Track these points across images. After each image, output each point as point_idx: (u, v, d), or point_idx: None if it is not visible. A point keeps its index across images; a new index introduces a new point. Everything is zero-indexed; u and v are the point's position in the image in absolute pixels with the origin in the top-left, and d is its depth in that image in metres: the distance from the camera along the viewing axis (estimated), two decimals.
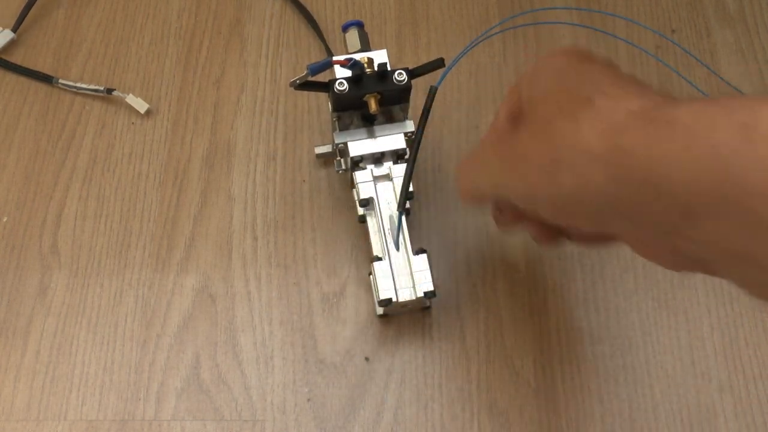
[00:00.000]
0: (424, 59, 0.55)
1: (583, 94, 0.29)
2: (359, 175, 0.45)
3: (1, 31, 0.57)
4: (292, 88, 0.43)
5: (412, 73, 0.44)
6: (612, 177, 0.27)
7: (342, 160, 0.48)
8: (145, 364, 0.46)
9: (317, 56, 0.57)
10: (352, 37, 0.48)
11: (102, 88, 0.54)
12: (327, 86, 0.44)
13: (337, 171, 0.48)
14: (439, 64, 0.44)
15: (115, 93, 0.54)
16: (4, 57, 0.56)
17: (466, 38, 0.57)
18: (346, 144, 0.45)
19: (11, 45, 0.57)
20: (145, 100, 0.54)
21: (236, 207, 0.51)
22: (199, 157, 0.53)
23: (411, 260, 0.43)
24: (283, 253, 0.49)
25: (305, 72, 0.42)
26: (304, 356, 0.46)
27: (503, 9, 0.58)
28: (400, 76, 0.44)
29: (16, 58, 0.57)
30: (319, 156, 0.50)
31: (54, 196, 0.51)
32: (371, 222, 0.45)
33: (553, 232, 0.37)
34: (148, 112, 0.54)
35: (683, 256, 0.28)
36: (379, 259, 0.43)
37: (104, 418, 0.44)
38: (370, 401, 0.45)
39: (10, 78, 0.56)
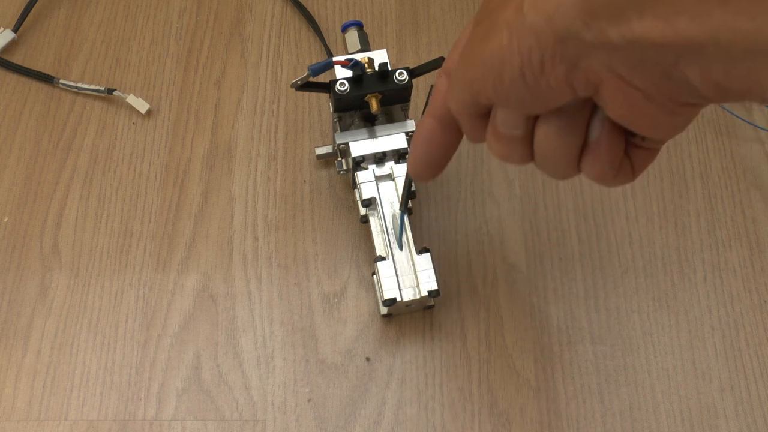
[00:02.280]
0: (425, 59, 0.55)
1: None
2: (361, 175, 0.45)
3: (2, 31, 0.57)
4: (294, 89, 0.43)
5: (413, 73, 0.44)
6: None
7: (343, 160, 0.48)
8: (145, 365, 0.46)
9: (318, 56, 0.57)
10: (352, 37, 0.48)
11: (103, 89, 0.54)
12: (328, 87, 0.44)
13: (339, 171, 0.48)
14: (439, 63, 0.44)
15: (115, 93, 0.54)
16: (4, 57, 0.56)
17: None
18: (347, 144, 0.45)
19: (12, 45, 0.57)
20: (145, 100, 0.54)
21: (237, 207, 0.51)
22: (200, 157, 0.53)
23: (414, 259, 0.43)
24: (283, 254, 0.49)
25: (306, 73, 0.42)
26: (304, 356, 0.46)
27: None
28: (401, 76, 0.44)
29: (17, 58, 0.57)
30: (319, 157, 0.50)
31: (55, 197, 0.52)
32: (374, 222, 0.45)
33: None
34: (148, 113, 0.54)
35: (662, 80, 0.26)
36: (383, 258, 0.43)
37: (105, 418, 0.45)
38: (371, 401, 0.45)
39: (11, 78, 0.56)
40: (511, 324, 0.46)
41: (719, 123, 0.53)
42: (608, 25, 0.25)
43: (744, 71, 0.24)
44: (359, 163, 0.45)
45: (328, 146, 0.50)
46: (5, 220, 0.51)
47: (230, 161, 0.52)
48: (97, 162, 0.53)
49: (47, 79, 0.55)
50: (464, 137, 0.37)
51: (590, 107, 0.31)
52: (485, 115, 0.34)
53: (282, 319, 0.47)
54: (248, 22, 0.58)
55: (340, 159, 0.48)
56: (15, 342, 0.47)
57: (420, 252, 0.43)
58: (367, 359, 0.46)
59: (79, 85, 0.55)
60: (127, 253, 0.49)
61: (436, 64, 0.44)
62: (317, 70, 0.42)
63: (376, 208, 0.45)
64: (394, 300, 0.42)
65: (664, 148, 0.52)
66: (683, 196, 0.51)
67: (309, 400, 0.45)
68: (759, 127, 0.53)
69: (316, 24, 0.57)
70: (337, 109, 0.45)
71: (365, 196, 0.45)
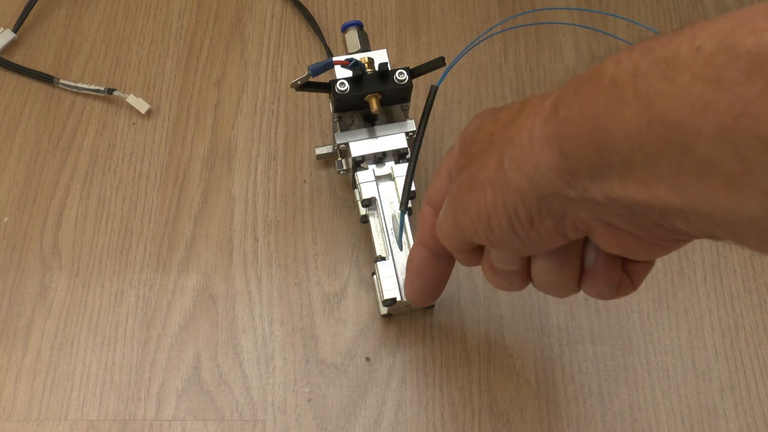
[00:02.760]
0: (425, 59, 0.55)
1: (512, 113, 0.30)
2: (361, 175, 0.45)
3: (2, 31, 0.57)
4: (294, 89, 0.43)
5: (413, 73, 0.44)
6: (557, 152, 0.26)
7: (343, 160, 0.48)
8: (145, 364, 0.46)
9: (318, 56, 0.57)
10: (352, 37, 0.48)
11: (103, 89, 0.54)
12: (328, 87, 0.44)
13: (339, 171, 0.48)
14: (439, 63, 0.44)
15: (115, 93, 0.54)
16: (4, 57, 0.56)
17: (467, 38, 0.57)
18: (347, 144, 0.45)
19: (12, 45, 0.57)
20: (145, 100, 0.54)
21: (237, 207, 0.51)
22: (200, 157, 0.53)
23: None
24: (283, 254, 0.49)
25: (306, 73, 0.42)
26: (304, 356, 0.46)
27: (504, 9, 0.58)
28: (401, 76, 0.44)
29: (17, 58, 0.57)
30: (319, 157, 0.50)
31: (55, 197, 0.52)
32: (374, 222, 0.45)
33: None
34: (148, 113, 0.54)
35: (651, 227, 0.26)
36: (383, 258, 0.43)
37: (105, 418, 0.44)
38: (371, 401, 0.45)
39: (11, 78, 0.56)
40: (511, 324, 0.46)
41: None
42: (590, 185, 0.25)
43: (729, 232, 0.24)
44: (359, 163, 0.45)
45: (328, 146, 0.50)
46: (5, 220, 0.51)
47: (230, 161, 0.52)
48: (97, 162, 0.53)
49: (47, 79, 0.55)
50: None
51: (583, 238, 0.31)
52: (479, 248, 0.35)
53: (282, 319, 0.47)
54: (248, 22, 0.58)
55: (340, 159, 0.48)
56: (15, 342, 0.47)
57: None
58: (367, 359, 0.46)
59: (79, 85, 0.55)
60: (127, 253, 0.49)
61: (436, 64, 0.44)
62: (317, 70, 0.42)
63: (376, 208, 0.45)
64: (394, 300, 0.42)
65: None
66: None
67: (309, 400, 0.45)
68: None
69: (316, 24, 0.57)
70: (337, 109, 0.45)
71: (365, 196, 0.45)
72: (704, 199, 0.23)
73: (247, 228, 0.50)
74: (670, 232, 0.26)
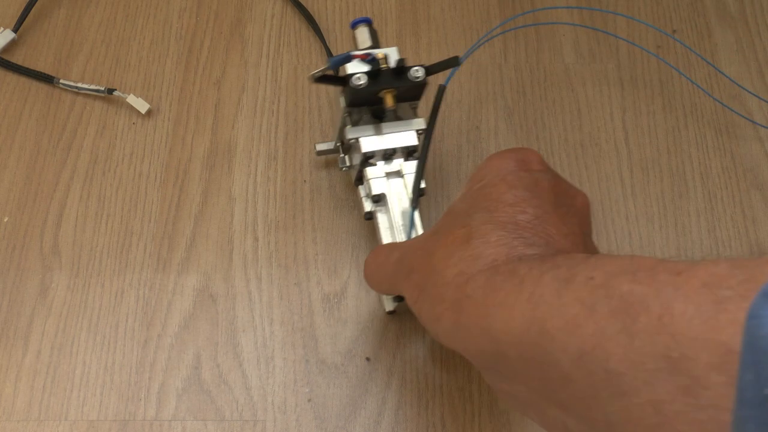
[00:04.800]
0: (425, 59, 0.56)
1: (469, 226, 0.33)
2: (371, 171, 0.45)
3: (2, 31, 0.57)
4: (311, 82, 0.43)
5: (427, 71, 0.44)
6: (454, 321, 0.30)
7: (346, 156, 0.48)
8: (146, 364, 0.46)
9: (318, 56, 0.57)
10: (363, 34, 0.48)
11: (103, 89, 0.54)
12: (344, 80, 0.44)
13: (341, 168, 0.48)
14: (453, 62, 0.44)
15: (116, 93, 0.54)
16: (4, 57, 0.56)
17: (467, 38, 0.57)
18: (357, 140, 0.45)
19: (12, 45, 0.57)
20: (146, 100, 0.54)
21: (237, 207, 0.51)
22: (200, 157, 0.53)
23: None
24: (283, 253, 0.49)
25: (326, 65, 0.42)
26: (304, 356, 0.46)
27: (504, 9, 0.58)
28: (417, 73, 0.44)
29: (17, 58, 0.57)
30: (320, 153, 0.50)
31: (55, 197, 0.52)
32: (381, 218, 0.45)
33: None
34: (148, 113, 0.54)
35: (532, 410, 0.30)
36: None
37: (105, 418, 0.44)
38: (371, 401, 0.45)
39: (11, 78, 0.56)
40: None
41: (719, 123, 0.53)
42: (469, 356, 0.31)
43: None
44: (369, 159, 0.45)
45: (329, 142, 0.50)
46: (5, 220, 0.51)
47: (230, 161, 0.52)
48: (97, 162, 0.53)
49: (47, 79, 0.55)
50: None
51: None
52: None
53: (282, 319, 0.47)
54: (248, 22, 0.58)
55: (343, 155, 0.48)
56: (15, 342, 0.47)
57: None
58: (367, 359, 0.46)
59: (79, 85, 0.55)
60: (127, 253, 0.49)
61: (449, 63, 0.44)
62: (337, 62, 0.42)
63: (385, 204, 0.45)
64: (401, 297, 0.42)
65: (664, 148, 0.52)
66: (683, 196, 0.51)
67: (309, 400, 0.45)
68: (758, 124, 0.53)
69: (316, 24, 0.57)
70: (351, 104, 0.45)
71: (375, 191, 0.45)
72: (564, 406, 0.26)
73: (247, 228, 0.50)
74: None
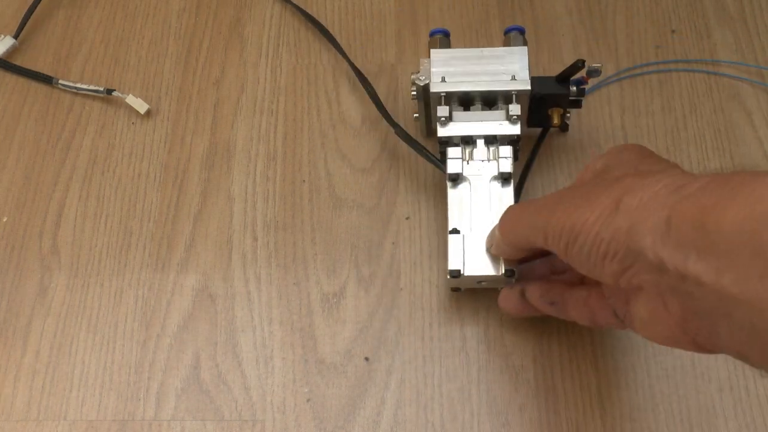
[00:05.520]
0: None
1: (652, 169, 0.35)
2: (477, 153, 0.46)
3: (2, 38, 0.57)
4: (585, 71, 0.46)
5: (556, 79, 0.47)
6: (665, 219, 0.29)
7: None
8: (145, 364, 0.46)
9: (317, 56, 0.57)
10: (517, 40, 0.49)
11: (102, 89, 0.54)
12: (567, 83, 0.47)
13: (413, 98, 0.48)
14: (577, 66, 0.46)
15: (114, 93, 0.54)
16: (3, 58, 0.56)
17: (466, 39, 0.57)
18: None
19: (11, 47, 0.57)
20: (145, 100, 0.54)
21: (236, 207, 0.51)
22: (199, 157, 0.53)
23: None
24: (282, 253, 0.49)
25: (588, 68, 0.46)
26: (303, 356, 0.46)
27: (503, 9, 0.58)
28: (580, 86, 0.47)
29: (16, 59, 0.57)
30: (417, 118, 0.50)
31: (54, 197, 0.52)
32: (455, 194, 0.45)
33: (558, 304, 0.41)
34: (148, 113, 0.54)
35: (692, 321, 0.30)
36: (456, 232, 0.44)
37: (104, 418, 0.44)
38: (370, 401, 0.45)
39: (10, 79, 0.56)
40: (510, 324, 0.46)
41: (718, 123, 0.53)
42: (670, 257, 0.29)
43: (758, 345, 0.28)
44: (468, 143, 0.46)
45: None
46: (4, 219, 0.51)
47: (229, 161, 0.52)
48: (96, 162, 0.53)
49: (46, 79, 0.55)
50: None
51: None
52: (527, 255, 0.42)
53: (281, 319, 0.47)
54: (247, 22, 0.58)
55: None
56: (14, 342, 0.47)
57: None
58: (366, 359, 0.46)
59: (78, 85, 0.55)
60: (126, 253, 0.49)
61: (575, 67, 0.46)
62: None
63: (468, 181, 0.45)
64: (458, 272, 0.43)
65: (662, 147, 0.52)
66: None
67: (308, 400, 0.45)
68: None
69: (322, 25, 0.57)
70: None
71: (470, 173, 0.46)
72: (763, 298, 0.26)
73: (247, 228, 0.50)
74: (704, 330, 0.30)
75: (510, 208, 0.42)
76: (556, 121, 0.48)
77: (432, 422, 0.44)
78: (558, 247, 0.35)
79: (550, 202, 0.37)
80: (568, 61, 0.51)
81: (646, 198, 0.31)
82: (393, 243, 0.49)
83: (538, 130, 0.50)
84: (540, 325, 0.46)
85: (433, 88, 0.46)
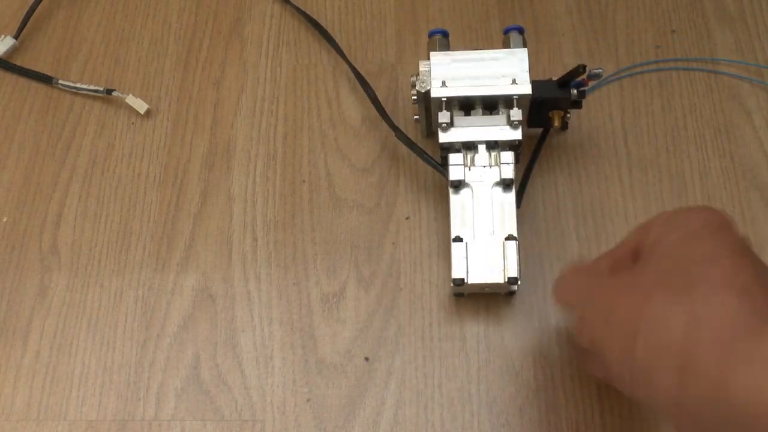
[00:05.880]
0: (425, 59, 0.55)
1: (694, 277, 0.30)
2: (478, 159, 0.46)
3: (3, 39, 0.57)
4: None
5: (557, 83, 0.47)
6: (677, 375, 0.28)
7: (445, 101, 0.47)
8: (145, 364, 0.46)
9: (317, 56, 0.57)
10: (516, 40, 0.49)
11: (102, 89, 0.54)
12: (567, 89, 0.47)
13: (413, 101, 0.48)
14: (579, 71, 0.45)
15: (114, 93, 0.54)
16: (4, 58, 0.56)
17: (466, 39, 0.57)
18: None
19: (12, 47, 0.57)
20: (144, 100, 0.54)
21: (236, 207, 0.51)
22: (199, 157, 0.53)
23: (505, 245, 0.44)
24: (282, 253, 0.49)
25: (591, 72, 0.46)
26: (303, 356, 0.46)
27: (503, 9, 0.58)
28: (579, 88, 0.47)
29: (16, 59, 0.57)
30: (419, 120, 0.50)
31: (54, 197, 0.52)
32: (457, 200, 0.45)
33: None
34: (147, 113, 0.54)
35: None
36: (459, 240, 0.44)
37: (104, 418, 0.44)
38: (370, 401, 0.45)
39: (10, 79, 0.56)
40: (510, 324, 0.46)
41: (718, 123, 0.53)
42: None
43: None
44: (469, 148, 0.46)
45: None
46: (4, 219, 0.51)
47: (229, 161, 0.52)
48: (96, 162, 0.53)
49: (46, 79, 0.55)
50: None
51: None
52: None
53: (281, 319, 0.47)
54: (247, 21, 0.58)
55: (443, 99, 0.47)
56: (14, 342, 0.47)
57: (508, 239, 0.44)
58: (366, 359, 0.46)
59: (78, 85, 0.55)
60: (126, 253, 0.49)
61: (576, 72, 0.46)
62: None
63: (469, 187, 0.45)
64: (462, 280, 0.43)
65: (663, 147, 0.52)
66: (682, 196, 0.51)
67: (308, 400, 0.45)
68: None
69: (322, 27, 0.57)
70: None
71: (471, 179, 0.46)
72: None
73: (246, 228, 0.50)
74: None
75: (567, 278, 0.40)
76: (556, 123, 0.48)
77: (432, 422, 0.44)
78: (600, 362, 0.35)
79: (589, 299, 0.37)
80: (568, 61, 0.52)
81: (662, 328, 0.30)
82: (393, 243, 0.49)
83: (539, 130, 0.51)
84: (540, 326, 0.46)
85: (434, 93, 0.46)
